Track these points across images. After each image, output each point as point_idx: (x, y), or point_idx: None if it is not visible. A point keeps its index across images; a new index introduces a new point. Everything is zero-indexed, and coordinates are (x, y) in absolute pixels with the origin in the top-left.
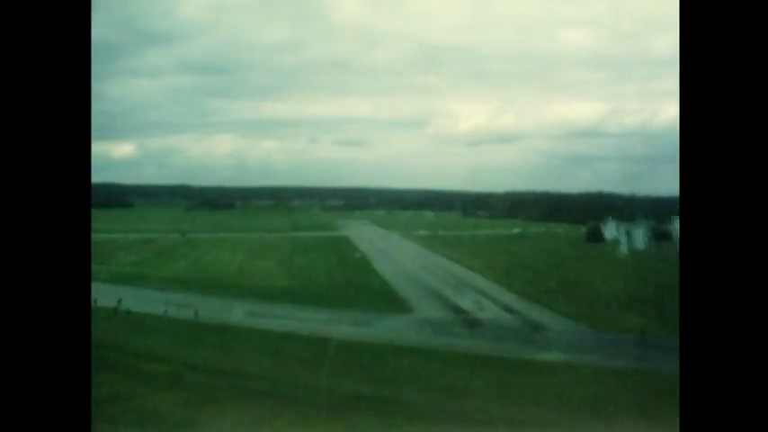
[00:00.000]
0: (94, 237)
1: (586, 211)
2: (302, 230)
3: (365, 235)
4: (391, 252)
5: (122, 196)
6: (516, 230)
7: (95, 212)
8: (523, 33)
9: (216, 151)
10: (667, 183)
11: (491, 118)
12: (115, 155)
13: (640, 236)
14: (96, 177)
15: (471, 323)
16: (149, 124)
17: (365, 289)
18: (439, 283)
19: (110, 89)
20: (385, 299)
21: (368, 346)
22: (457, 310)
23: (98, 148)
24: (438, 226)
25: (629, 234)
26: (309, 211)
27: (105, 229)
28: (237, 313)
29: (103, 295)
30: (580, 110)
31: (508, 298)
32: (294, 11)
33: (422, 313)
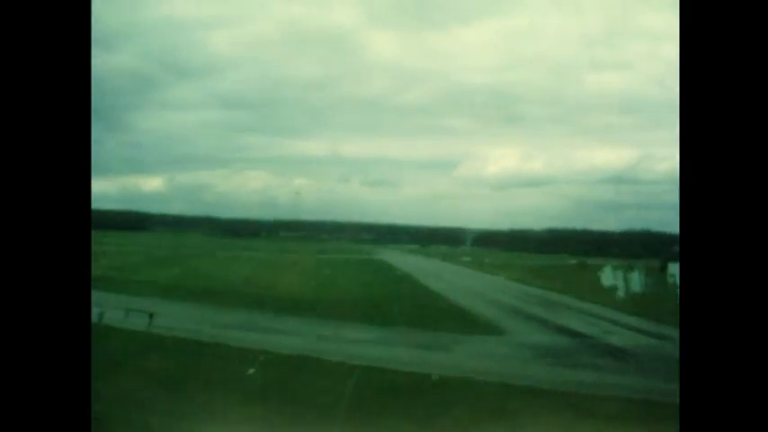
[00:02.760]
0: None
1: (638, 247)
2: (330, 253)
3: (403, 259)
4: (439, 272)
5: (143, 222)
6: (573, 261)
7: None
8: (553, 76)
9: (246, 187)
10: None
11: (520, 161)
12: (145, 188)
13: None
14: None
15: (610, 351)
16: (179, 158)
17: (420, 305)
18: (519, 301)
19: (140, 122)
20: (453, 317)
21: (459, 382)
22: (570, 333)
23: (128, 181)
24: (482, 255)
25: None
26: (338, 241)
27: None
28: (224, 325)
29: None
30: (610, 155)
31: (631, 321)
32: (325, 48)
33: (519, 336)
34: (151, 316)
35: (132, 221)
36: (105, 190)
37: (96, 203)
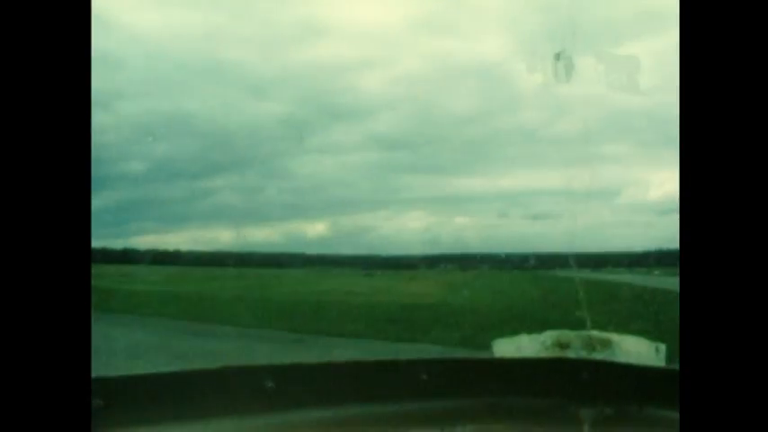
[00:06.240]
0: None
1: None
2: (492, 274)
3: (580, 274)
4: (638, 277)
5: (303, 262)
6: None
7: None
8: None
9: (408, 228)
10: None
11: None
12: (309, 233)
13: None
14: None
15: None
16: (340, 202)
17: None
18: None
19: (299, 167)
20: None
21: None
22: None
23: (292, 227)
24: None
25: None
26: (501, 269)
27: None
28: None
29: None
30: None
31: None
32: (477, 81)
33: None
34: None
35: (293, 262)
36: (269, 236)
37: (260, 248)
